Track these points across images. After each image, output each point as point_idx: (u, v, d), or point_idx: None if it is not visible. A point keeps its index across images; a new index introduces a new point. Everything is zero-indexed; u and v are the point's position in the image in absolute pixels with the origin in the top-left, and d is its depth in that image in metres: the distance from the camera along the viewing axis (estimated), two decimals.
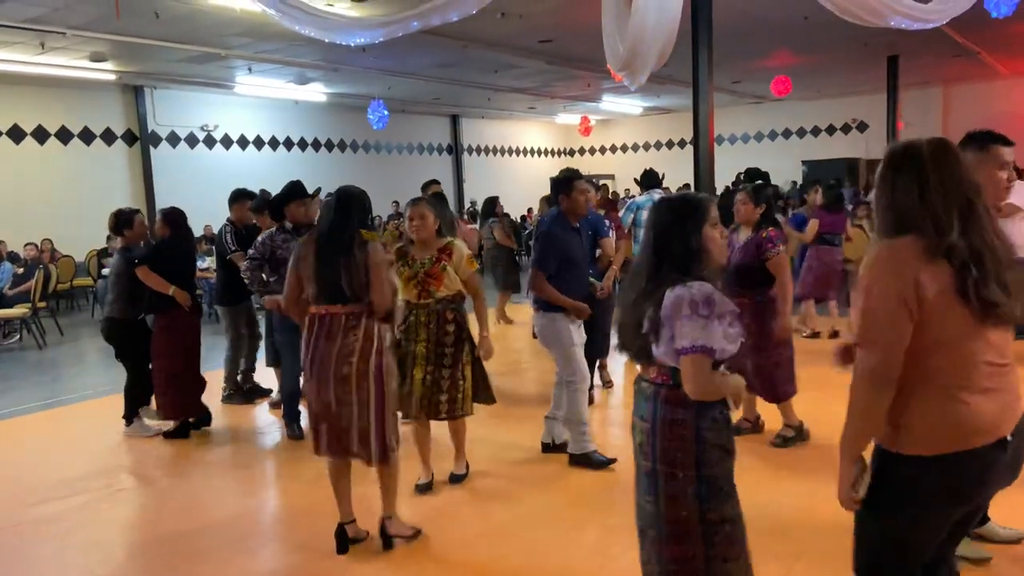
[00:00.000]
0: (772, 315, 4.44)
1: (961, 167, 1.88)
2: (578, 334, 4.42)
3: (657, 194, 7.06)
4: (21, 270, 10.12)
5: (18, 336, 10.02)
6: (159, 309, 5.35)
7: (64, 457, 5.26)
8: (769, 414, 4.88)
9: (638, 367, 2.39)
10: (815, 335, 7.73)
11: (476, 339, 4.09)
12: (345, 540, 3.50)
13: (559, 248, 4.35)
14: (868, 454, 1.97)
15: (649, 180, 7.56)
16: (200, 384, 5.54)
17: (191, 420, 5.51)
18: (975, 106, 18.56)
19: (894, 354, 1.84)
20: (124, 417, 5.60)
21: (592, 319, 4.70)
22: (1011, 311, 1.84)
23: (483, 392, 4.19)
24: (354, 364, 3.30)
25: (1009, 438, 1.87)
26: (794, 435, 4.71)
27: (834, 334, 7.70)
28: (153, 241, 5.77)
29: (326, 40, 6.89)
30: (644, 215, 6.80)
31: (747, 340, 4.52)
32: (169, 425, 5.47)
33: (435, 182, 7.49)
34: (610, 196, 13.54)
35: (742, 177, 8.30)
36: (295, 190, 5.23)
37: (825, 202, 7.88)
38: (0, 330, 9.81)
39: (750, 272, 4.47)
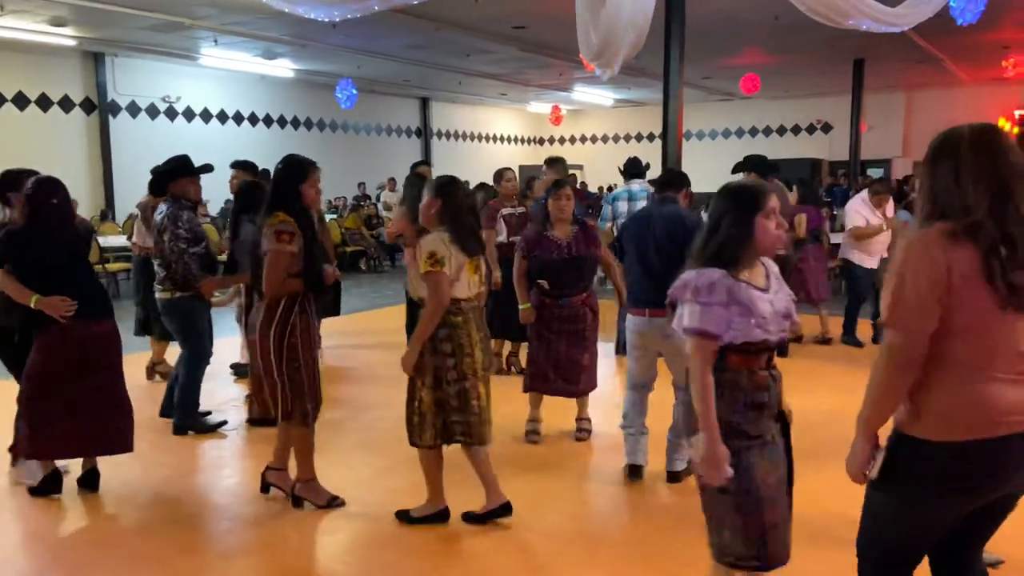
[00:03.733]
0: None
1: (1004, 152, 1.85)
2: None
3: (637, 185, 6.68)
4: None
5: None
6: (37, 323, 3.83)
7: None
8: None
9: None
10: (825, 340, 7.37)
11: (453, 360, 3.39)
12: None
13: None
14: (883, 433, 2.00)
15: (632, 169, 7.06)
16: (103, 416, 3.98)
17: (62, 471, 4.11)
18: (936, 112, 18.97)
19: (920, 338, 1.85)
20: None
21: (508, 300, 5.01)
22: None
23: (433, 427, 3.43)
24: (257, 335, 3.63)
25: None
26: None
27: (825, 340, 7.34)
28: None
29: (300, 14, 6.76)
30: (621, 207, 6.51)
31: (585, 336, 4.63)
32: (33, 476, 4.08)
33: (423, 163, 7.49)
34: (577, 186, 13.61)
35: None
36: (188, 166, 4.93)
37: (801, 199, 7.64)
38: None
39: (589, 266, 4.64)
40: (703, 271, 2.30)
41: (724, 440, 2.28)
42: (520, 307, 4.62)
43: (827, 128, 20.91)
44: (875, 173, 18.75)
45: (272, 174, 3.76)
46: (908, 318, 1.85)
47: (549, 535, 3.52)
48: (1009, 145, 1.86)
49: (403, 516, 3.63)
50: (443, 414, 3.40)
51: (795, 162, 18.91)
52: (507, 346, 6.39)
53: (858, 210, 7.05)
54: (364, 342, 7.79)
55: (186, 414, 4.95)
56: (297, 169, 3.65)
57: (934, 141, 1.93)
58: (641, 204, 6.27)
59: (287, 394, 3.63)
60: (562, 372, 4.59)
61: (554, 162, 6.39)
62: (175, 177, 4.84)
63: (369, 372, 6.61)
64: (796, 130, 21.55)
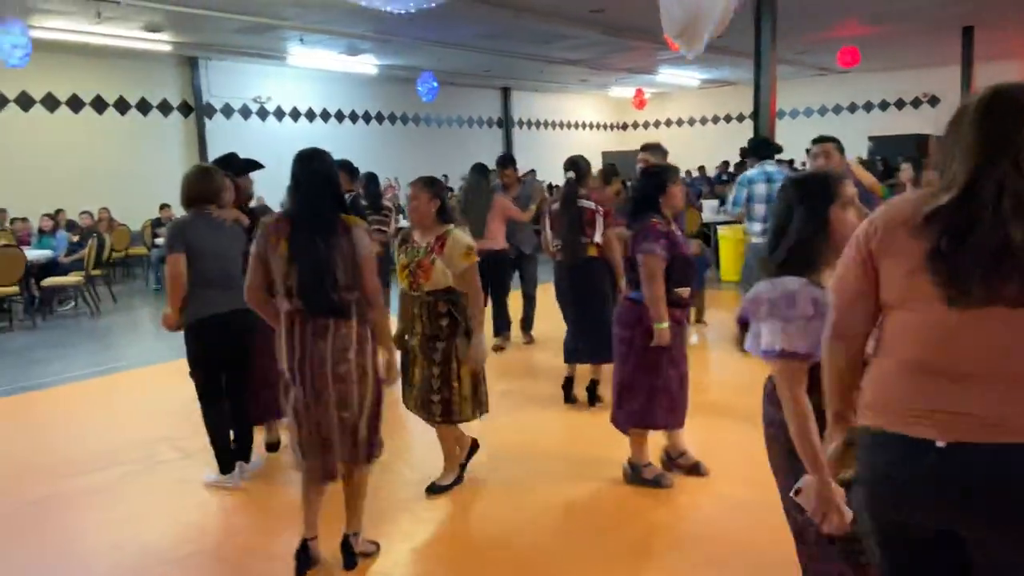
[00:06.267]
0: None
1: (1008, 117, 1.52)
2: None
3: (771, 166, 6.01)
4: (76, 238, 10.30)
5: (73, 303, 10.23)
6: None
7: (109, 426, 5.29)
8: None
9: None
10: None
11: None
12: (307, 561, 3.10)
13: None
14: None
15: (761, 149, 6.28)
16: None
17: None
18: None
19: (844, 309, 1.70)
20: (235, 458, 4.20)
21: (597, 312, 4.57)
22: (985, 290, 1.45)
23: (473, 401, 3.74)
24: (352, 360, 2.95)
25: (942, 445, 1.50)
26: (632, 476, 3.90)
27: None
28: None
29: (377, 8, 6.74)
30: (760, 189, 5.82)
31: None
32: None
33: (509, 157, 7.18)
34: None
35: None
36: (251, 162, 4.87)
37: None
38: (55, 297, 10.02)
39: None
40: (779, 280, 1.99)
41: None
42: (659, 326, 3.62)
43: (933, 101, 19.61)
44: None
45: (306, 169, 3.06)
46: (835, 286, 1.73)
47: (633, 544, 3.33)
48: (1021, 108, 1.50)
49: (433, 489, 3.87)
50: (479, 387, 3.79)
51: (898, 138, 17.82)
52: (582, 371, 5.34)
53: None
54: None
55: None
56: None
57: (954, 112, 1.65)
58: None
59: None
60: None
61: (654, 148, 5.64)
62: (248, 170, 4.85)
63: None
64: (900, 104, 20.31)
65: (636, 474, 3.87)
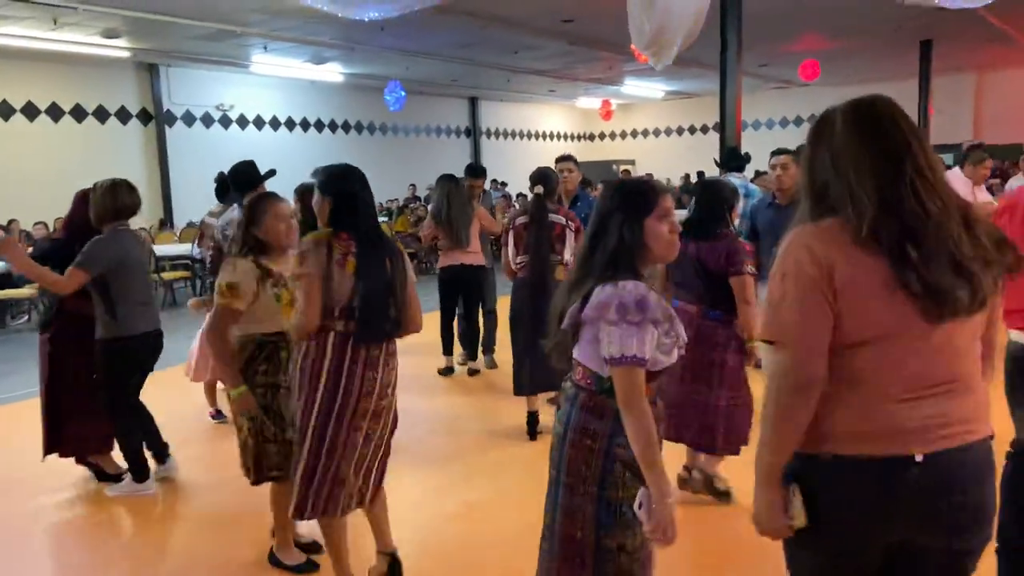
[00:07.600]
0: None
1: (885, 126, 1.55)
2: None
3: (735, 178, 5.91)
4: (30, 249, 9.99)
5: (26, 317, 9.92)
6: None
7: None
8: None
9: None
10: None
11: None
12: None
13: None
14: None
15: (732, 161, 6.27)
16: None
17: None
18: (1009, 94, 18.06)
19: (811, 352, 1.53)
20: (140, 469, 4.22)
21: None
22: (965, 297, 1.47)
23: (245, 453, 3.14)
24: (390, 396, 2.85)
25: (920, 459, 1.52)
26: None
27: None
28: None
29: (340, 15, 6.67)
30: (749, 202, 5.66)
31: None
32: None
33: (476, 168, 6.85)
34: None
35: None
36: (257, 172, 4.77)
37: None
38: (8, 311, 9.71)
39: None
40: (624, 284, 1.90)
41: (629, 488, 1.96)
42: (753, 343, 3.57)
43: None
44: (946, 159, 17.92)
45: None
46: (790, 332, 1.55)
47: None
48: (893, 116, 1.56)
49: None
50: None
51: None
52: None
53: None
54: (408, 348, 7.56)
55: None
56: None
57: (811, 127, 1.67)
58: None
59: None
60: None
61: (573, 159, 5.49)
62: (263, 181, 4.77)
63: (420, 383, 6.41)
64: None
65: (710, 483, 3.72)
